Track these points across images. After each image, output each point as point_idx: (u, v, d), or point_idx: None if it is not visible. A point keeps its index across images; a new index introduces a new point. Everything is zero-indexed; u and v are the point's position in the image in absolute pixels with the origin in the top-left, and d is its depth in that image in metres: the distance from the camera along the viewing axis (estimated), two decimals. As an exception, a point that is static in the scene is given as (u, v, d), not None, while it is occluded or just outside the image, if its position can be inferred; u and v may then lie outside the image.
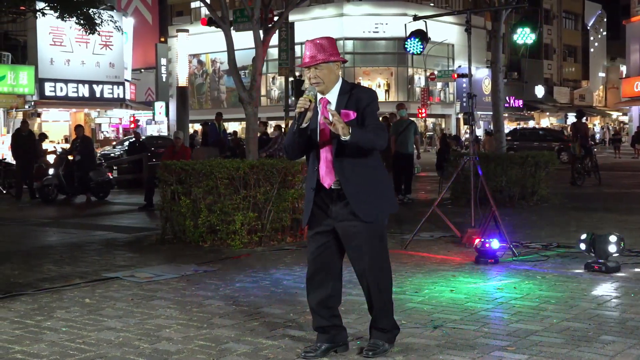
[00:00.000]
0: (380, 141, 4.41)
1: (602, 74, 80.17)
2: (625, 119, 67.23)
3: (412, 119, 17.74)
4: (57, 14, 18.95)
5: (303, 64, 4.58)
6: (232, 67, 12.38)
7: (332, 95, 4.56)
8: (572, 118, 58.70)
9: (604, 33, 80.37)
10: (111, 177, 19.01)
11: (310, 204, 4.57)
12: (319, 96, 4.58)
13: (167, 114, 43.53)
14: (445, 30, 49.85)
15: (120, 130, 43.11)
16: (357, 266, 4.57)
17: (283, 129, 20.19)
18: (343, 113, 4.42)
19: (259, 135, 17.42)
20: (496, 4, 15.77)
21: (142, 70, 45.38)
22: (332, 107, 4.51)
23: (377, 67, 55.57)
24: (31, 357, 4.74)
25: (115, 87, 36.90)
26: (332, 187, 4.50)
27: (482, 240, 7.91)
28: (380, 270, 4.54)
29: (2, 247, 9.99)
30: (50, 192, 16.99)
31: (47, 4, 19.43)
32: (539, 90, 67.64)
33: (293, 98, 26.29)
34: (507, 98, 55.10)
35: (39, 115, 35.47)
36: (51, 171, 17.04)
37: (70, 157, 17.27)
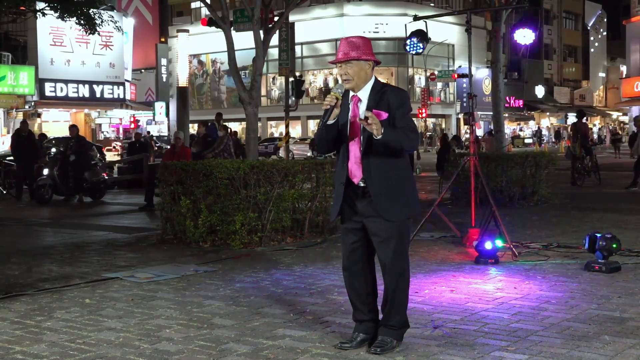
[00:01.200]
0: (410, 143, 4.50)
1: (602, 74, 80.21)
2: (625, 119, 67.24)
3: (412, 119, 17.75)
4: (57, 14, 18.97)
5: (335, 60, 4.64)
6: (233, 67, 12.40)
7: (364, 94, 4.62)
8: (572, 118, 58.73)
9: (604, 33, 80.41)
10: (106, 177, 18.86)
11: (340, 198, 4.66)
12: (351, 93, 4.64)
13: (167, 114, 43.56)
14: (446, 30, 49.88)
15: (121, 131, 43.12)
16: (380, 261, 4.67)
17: (230, 130, 19.77)
18: (375, 113, 4.46)
19: (201, 136, 17.25)
20: (496, 4, 15.78)
21: (143, 70, 45.40)
22: (364, 105, 4.59)
23: (377, 67, 55.57)
24: (31, 358, 4.74)
25: (115, 87, 36.94)
26: (360, 183, 4.58)
27: (482, 240, 7.91)
28: (398, 268, 4.61)
29: (2, 247, 9.99)
30: (45, 192, 16.74)
31: (47, 4, 19.44)
32: (539, 91, 67.68)
33: (293, 98, 26.25)
34: (507, 98, 55.14)
35: (39, 115, 35.50)
36: (45, 172, 16.84)
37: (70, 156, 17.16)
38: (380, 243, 4.59)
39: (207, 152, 16.30)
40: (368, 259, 4.75)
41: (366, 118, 4.39)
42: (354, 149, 4.60)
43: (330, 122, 4.54)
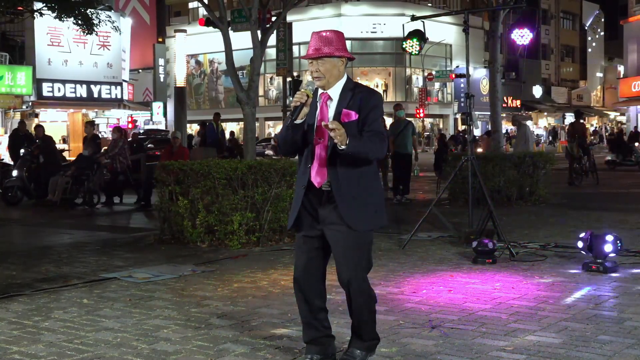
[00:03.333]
0: (377, 152, 4.17)
1: (599, 74, 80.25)
2: (623, 119, 67.29)
3: (409, 119, 17.74)
4: (54, 15, 18.92)
5: (306, 56, 4.29)
6: (230, 68, 12.38)
7: (335, 92, 4.28)
8: (569, 118, 58.79)
9: (602, 33, 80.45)
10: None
11: (298, 203, 4.30)
12: (320, 91, 4.33)
13: (165, 114, 43.49)
14: (443, 30, 49.85)
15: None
16: (340, 272, 4.27)
17: (123, 132, 19.29)
18: (344, 113, 4.19)
19: (90, 137, 16.88)
20: (494, 4, 15.79)
21: (140, 70, 45.31)
22: (334, 104, 4.25)
23: (375, 67, 55.59)
24: (29, 358, 4.73)
25: (113, 87, 36.88)
26: (323, 187, 4.23)
27: (480, 240, 7.92)
28: (362, 281, 4.27)
29: (0, 247, 9.99)
30: (14, 194, 16.12)
31: (44, 4, 19.41)
32: (537, 91, 67.72)
33: (291, 98, 26.27)
34: (504, 98, 55.16)
35: (36, 115, 35.42)
36: (15, 173, 16.17)
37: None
38: (341, 254, 4.21)
39: (99, 155, 16.12)
40: (322, 270, 4.39)
41: (327, 127, 4.02)
42: (320, 151, 4.23)
43: (298, 121, 4.19)
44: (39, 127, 17.84)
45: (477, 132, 42.32)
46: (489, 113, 17.28)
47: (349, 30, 49.51)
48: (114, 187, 16.19)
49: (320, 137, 4.25)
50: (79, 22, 19.09)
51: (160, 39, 46.85)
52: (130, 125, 41.00)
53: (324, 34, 4.29)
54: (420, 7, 53.84)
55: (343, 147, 4.00)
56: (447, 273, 7.36)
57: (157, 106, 42.55)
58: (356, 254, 4.23)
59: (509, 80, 59.26)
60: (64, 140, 36.43)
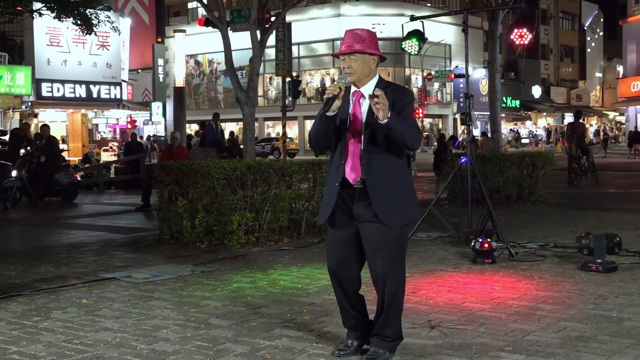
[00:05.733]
0: (413, 140, 4.17)
1: (599, 74, 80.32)
2: (622, 119, 67.33)
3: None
4: (54, 15, 18.95)
5: (338, 52, 4.32)
6: (229, 68, 12.39)
7: (367, 90, 4.30)
8: (569, 118, 58.82)
9: (601, 33, 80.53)
10: (79, 178, 18.47)
11: (332, 199, 4.32)
12: (353, 88, 4.36)
13: (164, 115, 43.52)
14: (442, 30, 49.92)
15: (118, 131, 43.07)
16: (373, 270, 4.33)
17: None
18: None
19: None
20: (493, 4, 15.79)
21: (139, 70, 45.28)
22: (366, 102, 4.27)
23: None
24: (28, 358, 4.73)
25: (112, 87, 36.88)
26: (357, 184, 4.29)
27: (479, 240, 7.92)
28: (395, 281, 4.30)
29: (-1, 247, 9.98)
30: (13, 195, 16.03)
31: (44, 5, 19.42)
32: (536, 91, 67.77)
33: (290, 98, 26.26)
34: (504, 98, 55.19)
35: (35, 115, 35.43)
36: (14, 173, 16.10)
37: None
38: (375, 251, 4.27)
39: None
40: (358, 265, 4.48)
41: (375, 97, 4.03)
42: (353, 147, 4.29)
43: (330, 113, 4.21)
44: (45, 127, 17.84)
45: (476, 132, 42.28)
46: (488, 113, 17.29)
47: (348, 31, 49.43)
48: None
49: (354, 132, 4.29)
50: (78, 22, 19.10)
51: (159, 39, 46.82)
52: (129, 126, 41.03)
53: (358, 31, 4.35)
54: (419, 7, 53.90)
55: (384, 120, 4.03)
56: (446, 273, 7.35)
57: (157, 106, 42.56)
58: (389, 252, 4.27)
59: (508, 80, 59.31)
60: (63, 141, 36.44)
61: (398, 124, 4.10)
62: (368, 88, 4.32)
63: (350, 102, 4.35)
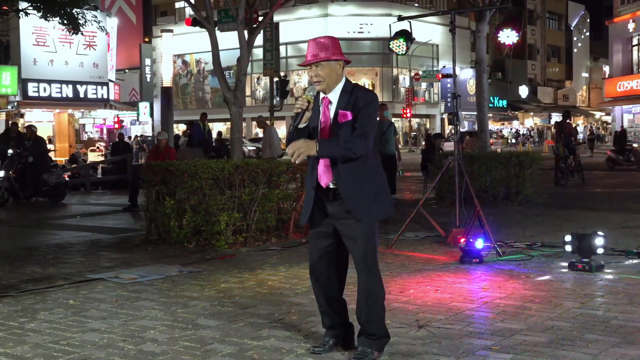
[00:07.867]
0: (356, 149, 4.33)
1: (585, 74, 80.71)
2: (608, 118, 67.65)
3: (397, 119, 17.75)
4: (40, 14, 18.82)
5: (304, 62, 4.51)
6: (217, 68, 12.37)
7: (334, 95, 4.52)
8: (556, 118, 59.03)
9: (587, 33, 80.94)
10: (67, 179, 18.42)
11: (310, 202, 4.57)
12: (322, 95, 4.56)
13: (151, 115, 43.37)
14: (430, 30, 50.02)
15: (105, 131, 42.90)
16: (355, 262, 4.54)
17: None
18: (341, 114, 4.43)
19: None
20: (480, 4, 15.81)
21: (126, 70, 45.14)
22: (333, 106, 4.50)
23: (361, 67, 55.64)
24: (15, 359, 4.71)
25: (99, 87, 36.70)
26: (329, 186, 4.49)
27: (467, 240, 7.94)
28: (369, 271, 4.49)
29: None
30: (1, 195, 16.03)
31: (30, 4, 19.29)
32: (523, 91, 68.01)
33: (278, 98, 26.25)
34: (491, 98, 55.35)
35: (22, 115, 35.20)
36: (1, 173, 16.08)
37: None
38: (353, 244, 4.47)
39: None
40: (337, 263, 4.62)
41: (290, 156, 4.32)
42: None
43: (301, 125, 4.46)
44: (30, 128, 17.72)
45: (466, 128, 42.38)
46: (475, 113, 17.32)
47: (335, 31, 49.61)
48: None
49: (323, 138, 4.48)
50: (65, 21, 18.99)
51: (146, 39, 46.69)
52: (116, 126, 40.88)
53: (320, 40, 4.55)
54: (406, 7, 54.00)
55: (315, 154, 4.32)
56: (434, 272, 7.37)
57: (144, 106, 42.43)
58: (362, 244, 4.46)
59: (495, 80, 59.50)
60: (50, 141, 36.24)
61: (328, 150, 4.36)
62: (335, 93, 4.54)
63: (320, 108, 4.56)
